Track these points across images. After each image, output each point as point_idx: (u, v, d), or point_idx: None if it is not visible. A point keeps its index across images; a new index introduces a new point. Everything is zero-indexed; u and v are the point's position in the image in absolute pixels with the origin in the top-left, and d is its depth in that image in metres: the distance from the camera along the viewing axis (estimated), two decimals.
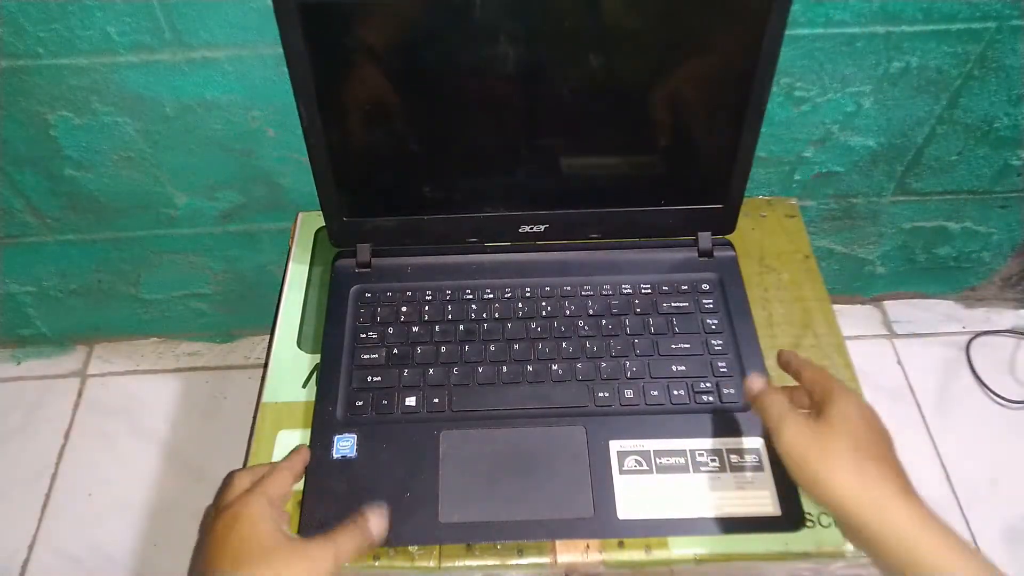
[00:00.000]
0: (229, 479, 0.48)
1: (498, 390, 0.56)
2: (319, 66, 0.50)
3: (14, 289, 0.89)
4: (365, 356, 0.58)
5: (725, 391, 0.55)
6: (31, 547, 0.86)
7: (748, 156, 0.57)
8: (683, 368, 0.56)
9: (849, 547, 0.50)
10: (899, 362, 0.97)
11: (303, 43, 0.49)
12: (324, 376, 0.57)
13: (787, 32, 0.50)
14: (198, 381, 0.99)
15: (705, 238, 0.63)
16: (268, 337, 0.63)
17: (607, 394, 0.55)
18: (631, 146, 0.58)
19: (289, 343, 0.61)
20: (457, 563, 0.50)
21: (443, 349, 0.58)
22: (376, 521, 0.47)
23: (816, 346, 0.61)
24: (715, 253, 0.63)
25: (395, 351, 0.58)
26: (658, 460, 0.52)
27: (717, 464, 0.52)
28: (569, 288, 0.61)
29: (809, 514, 0.51)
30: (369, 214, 0.61)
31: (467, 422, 0.54)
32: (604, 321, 0.59)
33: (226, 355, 1.01)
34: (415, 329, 0.59)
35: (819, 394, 0.45)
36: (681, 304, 0.60)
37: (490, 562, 0.50)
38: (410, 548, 0.50)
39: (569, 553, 0.50)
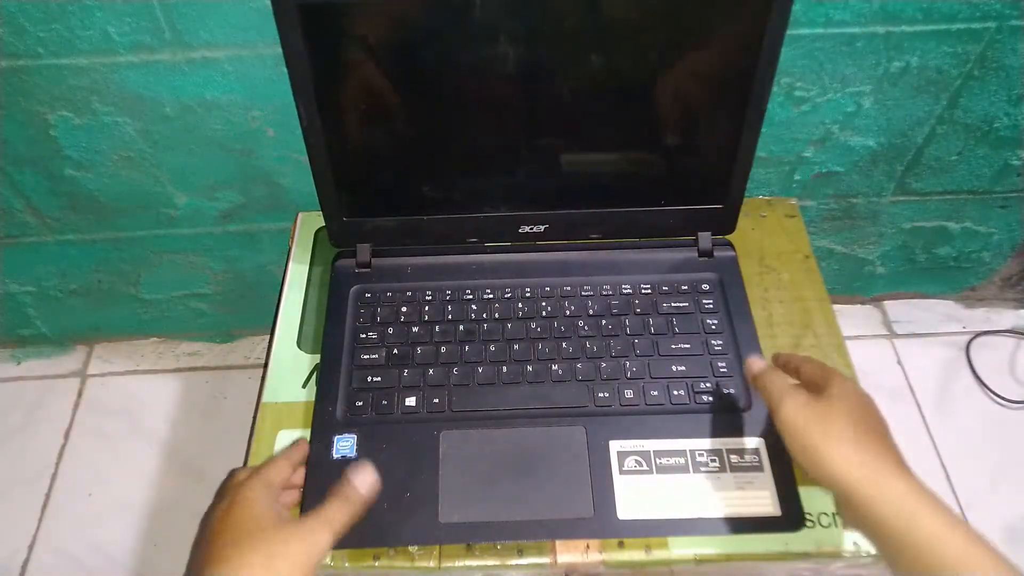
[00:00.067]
0: (230, 474, 0.49)
1: (498, 390, 0.56)
2: (319, 66, 0.50)
3: (14, 289, 0.89)
4: (365, 356, 0.58)
5: (725, 391, 0.55)
6: (31, 547, 0.86)
7: (748, 156, 0.57)
8: (683, 368, 0.56)
9: (849, 547, 0.50)
10: (899, 362, 0.97)
11: (303, 43, 0.49)
12: (324, 376, 0.57)
13: (787, 32, 0.50)
14: (198, 381, 0.99)
15: (705, 238, 0.63)
16: (268, 337, 0.63)
17: (607, 394, 0.55)
18: (631, 146, 0.58)
19: (289, 343, 0.61)
20: (457, 563, 0.50)
21: (443, 349, 0.58)
22: (362, 479, 0.47)
23: (816, 346, 0.61)
24: (715, 253, 0.63)
25: (395, 351, 0.58)
26: (658, 460, 0.52)
27: (717, 464, 0.52)
28: (569, 288, 0.61)
29: (809, 514, 0.51)
30: (369, 214, 0.61)
31: (467, 422, 0.54)
32: (604, 321, 0.59)
33: (226, 355, 1.01)
34: (415, 329, 0.59)
35: (818, 381, 0.46)
36: (681, 304, 0.60)
37: (490, 562, 0.50)
38: (410, 548, 0.50)
39: (569, 553, 0.50)
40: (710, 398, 0.55)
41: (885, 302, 1.02)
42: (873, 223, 0.85)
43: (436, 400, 0.55)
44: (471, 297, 0.61)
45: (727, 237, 0.63)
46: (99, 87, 0.63)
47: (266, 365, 0.60)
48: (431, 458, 0.52)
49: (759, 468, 0.52)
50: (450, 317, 0.60)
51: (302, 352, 0.61)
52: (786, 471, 0.51)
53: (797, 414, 0.43)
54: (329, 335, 0.59)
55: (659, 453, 0.52)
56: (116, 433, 0.94)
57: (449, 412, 0.55)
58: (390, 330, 0.59)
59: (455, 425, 0.54)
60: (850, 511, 0.41)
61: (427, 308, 0.60)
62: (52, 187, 0.73)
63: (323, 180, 0.57)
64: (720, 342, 0.58)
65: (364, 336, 0.59)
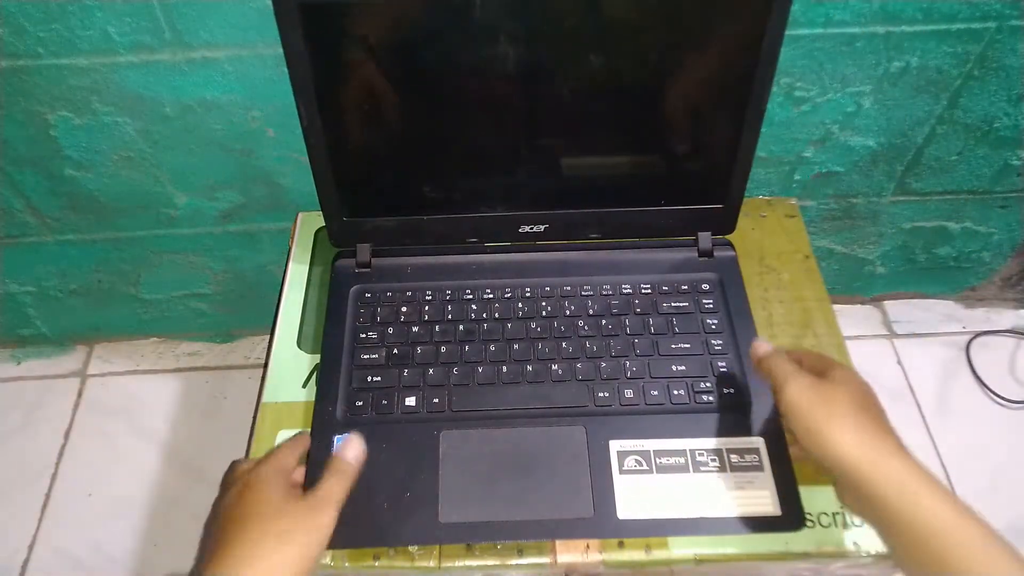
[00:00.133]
0: (232, 466, 0.50)
1: (498, 390, 0.56)
2: (319, 66, 0.50)
3: (14, 289, 0.89)
4: (365, 356, 0.58)
5: (725, 391, 0.55)
6: (31, 547, 0.86)
7: (748, 156, 0.57)
8: (683, 368, 0.56)
9: (849, 547, 0.50)
10: (899, 362, 0.97)
11: (303, 43, 0.49)
12: (324, 376, 0.57)
13: (787, 32, 0.50)
14: (198, 381, 0.99)
15: (705, 238, 0.63)
16: (268, 337, 0.63)
17: (607, 394, 0.55)
18: (631, 146, 0.58)
19: (289, 343, 0.61)
20: (457, 563, 0.50)
21: (443, 349, 0.58)
22: (349, 451, 0.49)
23: (816, 346, 0.61)
24: (715, 253, 0.63)
25: (395, 351, 0.58)
26: (658, 460, 0.52)
27: (717, 464, 0.52)
28: (569, 288, 0.61)
29: (809, 514, 0.51)
30: (369, 214, 0.61)
31: (467, 422, 0.54)
32: (604, 321, 0.59)
33: (226, 355, 1.01)
34: (415, 329, 0.59)
35: (820, 369, 0.47)
36: (681, 304, 0.60)
37: (490, 562, 0.50)
38: (410, 548, 0.50)
39: (569, 553, 0.50)
40: (710, 398, 0.55)
41: (885, 302, 1.02)
42: (873, 223, 0.85)
43: (436, 400, 0.55)
44: (471, 297, 0.61)
45: (727, 237, 0.63)
46: (99, 87, 0.63)
47: (266, 365, 0.60)
48: (431, 458, 0.52)
49: (759, 468, 0.52)
50: (450, 317, 0.60)
51: (302, 352, 0.61)
52: (786, 471, 0.51)
53: (801, 395, 0.44)
54: (329, 335, 0.59)
55: (659, 453, 0.52)
56: (116, 433, 0.94)
57: (449, 412, 0.55)
58: (390, 330, 0.59)
59: (455, 425, 0.54)
60: (850, 492, 0.42)
61: (427, 308, 0.60)
62: (52, 187, 0.73)
63: (323, 180, 0.57)
64: (720, 342, 0.58)
65: (364, 336, 0.59)
